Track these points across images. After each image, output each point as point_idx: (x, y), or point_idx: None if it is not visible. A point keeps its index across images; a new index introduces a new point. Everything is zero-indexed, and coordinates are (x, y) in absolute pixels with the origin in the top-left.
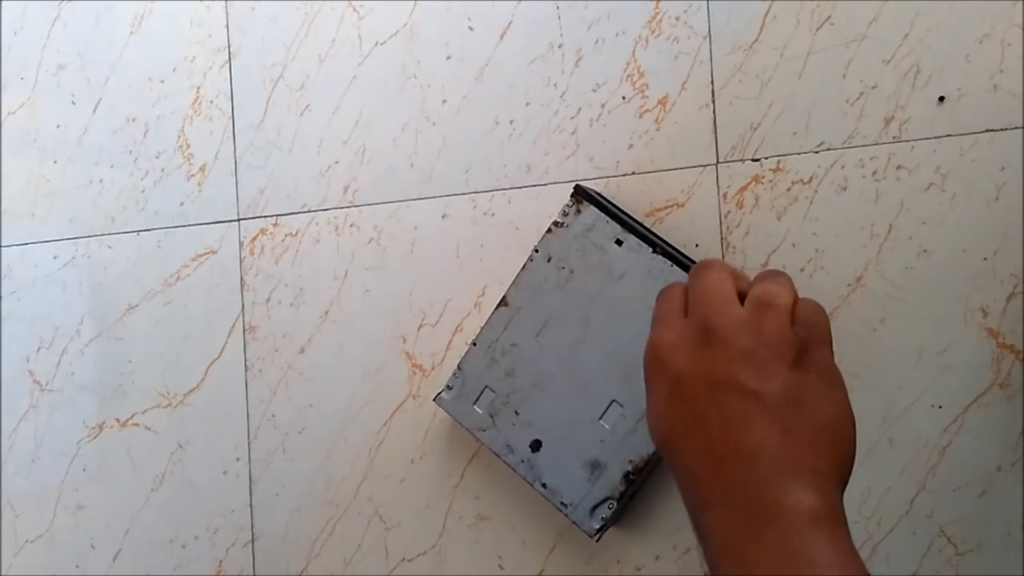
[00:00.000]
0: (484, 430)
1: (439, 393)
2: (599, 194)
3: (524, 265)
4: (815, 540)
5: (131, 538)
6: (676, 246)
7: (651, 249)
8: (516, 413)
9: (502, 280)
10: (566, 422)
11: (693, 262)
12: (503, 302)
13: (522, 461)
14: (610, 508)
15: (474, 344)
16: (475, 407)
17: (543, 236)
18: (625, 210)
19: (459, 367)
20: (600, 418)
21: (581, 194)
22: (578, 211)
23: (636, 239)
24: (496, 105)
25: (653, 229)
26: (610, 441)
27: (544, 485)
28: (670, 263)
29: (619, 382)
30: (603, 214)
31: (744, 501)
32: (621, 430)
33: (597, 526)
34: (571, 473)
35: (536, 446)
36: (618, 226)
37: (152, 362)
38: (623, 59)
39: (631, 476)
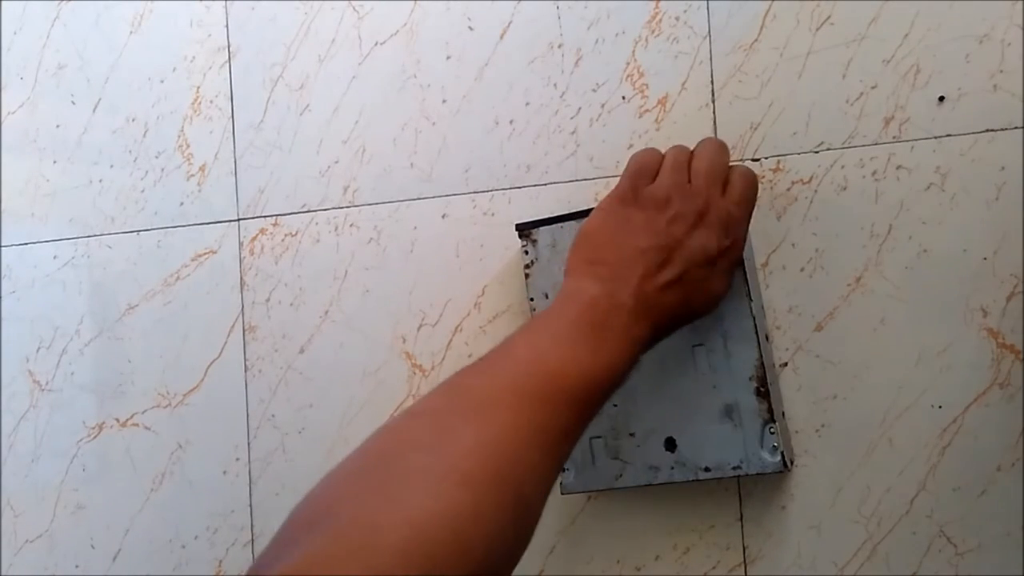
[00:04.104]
0: (621, 475)
1: (560, 485)
2: (538, 219)
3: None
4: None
5: (131, 538)
6: None
7: None
8: (632, 435)
9: (502, 280)
10: (673, 401)
11: None
12: None
13: (672, 468)
14: (772, 432)
15: None
16: (596, 465)
17: (526, 284)
18: (570, 211)
19: None
20: (696, 371)
21: (525, 228)
22: (534, 241)
23: None
24: (496, 105)
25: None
26: (720, 381)
27: (707, 469)
28: None
29: (683, 332)
30: (553, 224)
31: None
32: (720, 364)
33: (779, 457)
34: (716, 438)
35: (671, 445)
36: (572, 221)
37: (152, 362)
38: (623, 59)
39: (761, 389)
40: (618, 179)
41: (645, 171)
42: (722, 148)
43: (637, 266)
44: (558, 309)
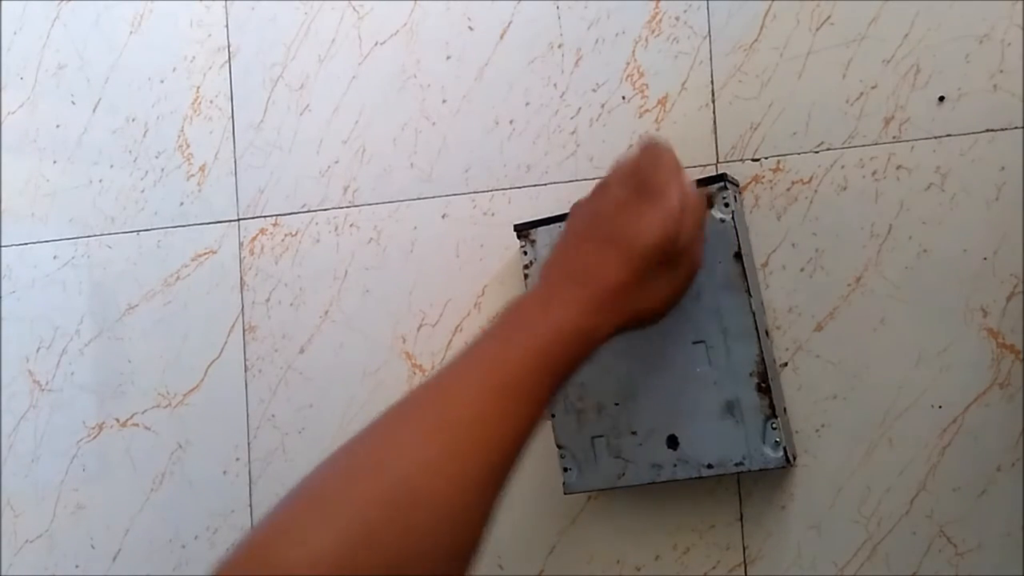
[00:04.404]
0: (623, 474)
1: (563, 484)
2: (536, 219)
3: None
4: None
5: (131, 538)
6: None
7: None
8: (633, 433)
9: (502, 280)
10: (674, 398)
11: None
12: None
13: (674, 466)
14: (774, 428)
15: (553, 416)
16: (599, 464)
17: (525, 284)
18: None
19: (558, 446)
20: (697, 368)
21: (523, 228)
22: (532, 242)
23: None
24: (496, 105)
25: None
26: (721, 377)
27: (709, 466)
28: None
29: (684, 329)
30: (551, 224)
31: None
32: (721, 361)
33: (782, 453)
34: (718, 434)
35: (673, 443)
36: None
37: (152, 362)
38: (623, 59)
39: (762, 385)
40: None
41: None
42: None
43: (569, 254)
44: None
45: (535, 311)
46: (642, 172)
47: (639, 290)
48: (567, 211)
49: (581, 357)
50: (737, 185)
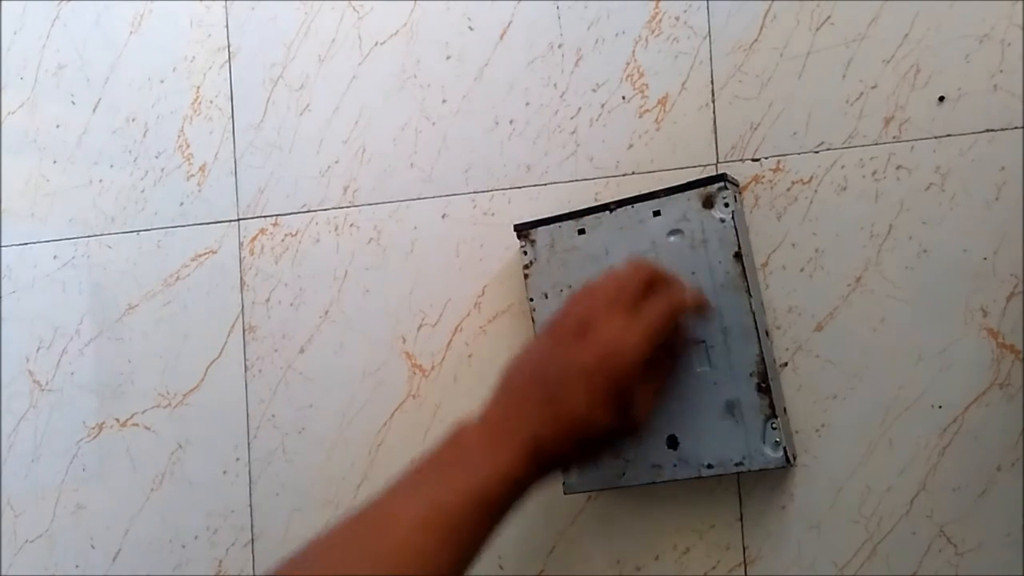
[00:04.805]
0: (624, 474)
1: (563, 484)
2: (536, 219)
3: (532, 318)
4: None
5: (131, 538)
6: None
7: (608, 211)
8: None
9: (502, 280)
10: (674, 398)
11: (655, 195)
12: None
13: (674, 465)
14: (774, 427)
15: None
16: (599, 464)
17: (525, 284)
18: (569, 211)
19: None
20: (697, 368)
21: (523, 228)
22: (532, 242)
23: (591, 216)
24: (496, 105)
25: (600, 201)
26: (721, 377)
27: (709, 466)
28: (632, 206)
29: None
30: (551, 224)
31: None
32: (721, 361)
33: (782, 453)
34: (718, 434)
35: (673, 442)
36: (570, 221)
37: (152, 362)
38: (623, 59)
39: (762, 385)
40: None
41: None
42: (636, 269)
43: (519, 390)
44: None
45: (479, 453)
46: (579, 318)
47: (581, 449)
48: (567, 211)
49: (519, 500)
50: (737, 185)
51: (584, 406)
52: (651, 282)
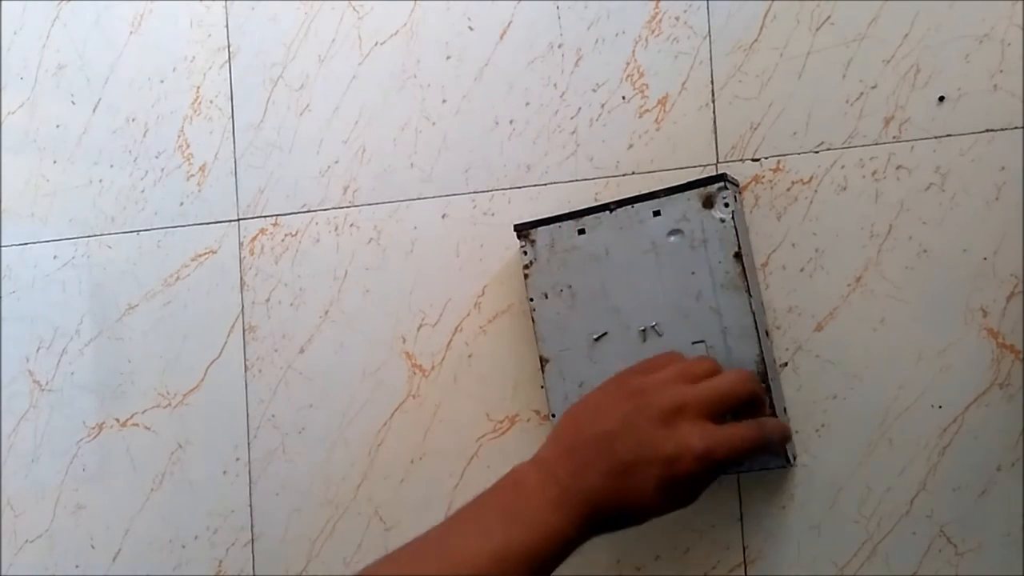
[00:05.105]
0: None
1: None
2: (537, 219)
3: (532, 318)
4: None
5: (131, 538)
6: (628, 195)
7: (608, 211)
8: None
9: (502, 280)
10: None
11: (655, 195)
12: (543, 361)
13: None
14: None
15: (553, 415)
16: None
17: (525, 284)
18: (569, 211)
19: None
20: None
21: (523, 228)
22: (532, 242)
23: (591, 216)
24: (496, 105)
25: (600, 201)
26: None
27: None
28: (632, 206)
29: (683, 329)
30: (551, 224)
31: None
32: (720, 360)
33: (782, 452)
34: None
35: None
36: (570, 221)
37: (152, 362)
38: (623, 59)
39: (762, 385)
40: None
41: (653, 365)
42: (744, 379)
43: (587, 451)
44: (490, 489)
45: (538, 509)
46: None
47: (634, 523)
48: (567, 211)
49: (566, 556)
50: (737, 185)
51: (651, 495)
52: (751, 402)
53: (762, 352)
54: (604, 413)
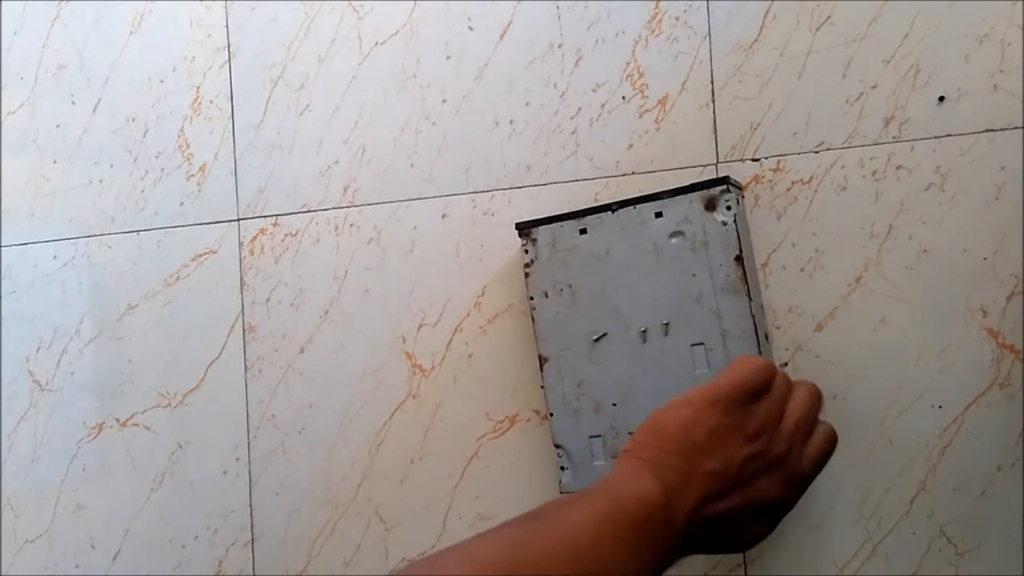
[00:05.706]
0: None
1: (560, 484)
2: (538, 218)
3: (532, 317)
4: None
5: (131, 538)
6: (628, 195)
7: (610, 212)
8: (631, 434)
9: (502, 280)
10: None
11: (657, 196)
12: (542, 360)
13: None
14: None
15: (551, 414)
16: (595, 463)
17: (525, 283)
18: (569, 210)
19: (556, 445)
20: (696, 370)
21: (525, 227)
22: (534, 240)
23: (592, 216)
24: (496, 105)
25: (601, 202)
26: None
27: None
28: (634, 207)
29: (683, 331)
30: (553, 223)
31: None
32: (720, 363)
33: None
34: None
35: None
36: (572, 221)
37: (152, 362)
38: (623, 59)
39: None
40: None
41: (753, 389)
42: (818, 398)
43: (700, 485)
44: (613, 497)
45: (664, 537)
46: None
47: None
48: (567, 211)
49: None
50: (740, 188)
51: (756, 537)
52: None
53: (761, 355)
54: (715, 433)
